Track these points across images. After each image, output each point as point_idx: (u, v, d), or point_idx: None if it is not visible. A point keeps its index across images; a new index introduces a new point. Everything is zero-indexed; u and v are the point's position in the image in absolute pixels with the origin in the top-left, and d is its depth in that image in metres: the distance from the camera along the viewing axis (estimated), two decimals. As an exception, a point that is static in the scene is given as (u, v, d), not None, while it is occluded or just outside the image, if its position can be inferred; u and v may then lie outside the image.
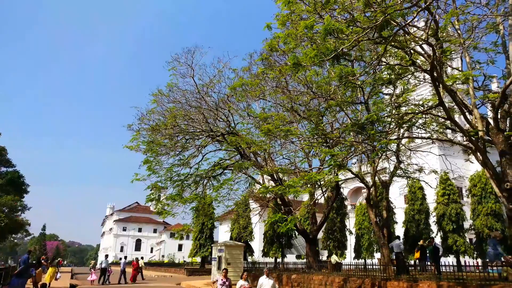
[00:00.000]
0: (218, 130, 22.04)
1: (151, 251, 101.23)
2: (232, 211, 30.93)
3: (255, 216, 26.85)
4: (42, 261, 23.84)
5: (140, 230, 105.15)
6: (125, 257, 29.00)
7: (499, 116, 13.80)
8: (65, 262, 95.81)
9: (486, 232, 24.41)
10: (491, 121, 14.08)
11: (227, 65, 21.61)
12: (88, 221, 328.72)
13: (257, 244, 41.10)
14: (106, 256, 28.43)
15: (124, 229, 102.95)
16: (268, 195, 22.88)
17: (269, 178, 22.95)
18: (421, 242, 20.36)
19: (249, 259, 34.09)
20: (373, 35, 10.01)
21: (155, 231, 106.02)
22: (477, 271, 15.67)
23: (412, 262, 25.82)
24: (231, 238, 35.06)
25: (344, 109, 16.60)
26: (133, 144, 21.62)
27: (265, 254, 32.91)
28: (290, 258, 34.01)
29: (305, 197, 34.45)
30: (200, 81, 22.09)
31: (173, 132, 21.49)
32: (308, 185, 20.66)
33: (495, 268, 13.86)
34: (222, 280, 13.06)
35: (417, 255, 20.00)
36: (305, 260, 25.73)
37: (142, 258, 39.60)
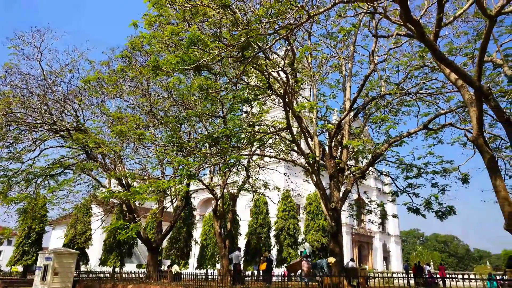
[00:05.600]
0: (63, 125, 19.82)
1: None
2: (70, 215, 27.97)
3: (96, 221, 24.76)
4: None
5: None
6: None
7: (333, 145, 15.91)
8: None
9: (316, 245, 27.58)
10: (326, 148, 16.13)
11: (84, 55, 19.90)
12: None
13: (96, 251, 37.96)
14: None
15: None
16: (113, 200, 21.42)
17: (117, 182, 21.54)
18: (266, 254, 21.60)
19: (84, 268, 31.14)
20: (237, 54, 10.41)
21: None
22: (304, 280, 17.45)
23: (249, 272, 27.40)
24: (64, 245, 31.51)
25: (203, 120, 16.82)
26: None
27: (102, 262, 30.55)
28: (131, 267, 32.31)
29: (156, 205, 33.42)
30: (48, 67, 19.87)
31: (4, 119, 18.46)
32: (157, 193, 20.12)
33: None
34: None
35: (262, 266, 21.12)
36: (146, 269, 24.76)
37: None
